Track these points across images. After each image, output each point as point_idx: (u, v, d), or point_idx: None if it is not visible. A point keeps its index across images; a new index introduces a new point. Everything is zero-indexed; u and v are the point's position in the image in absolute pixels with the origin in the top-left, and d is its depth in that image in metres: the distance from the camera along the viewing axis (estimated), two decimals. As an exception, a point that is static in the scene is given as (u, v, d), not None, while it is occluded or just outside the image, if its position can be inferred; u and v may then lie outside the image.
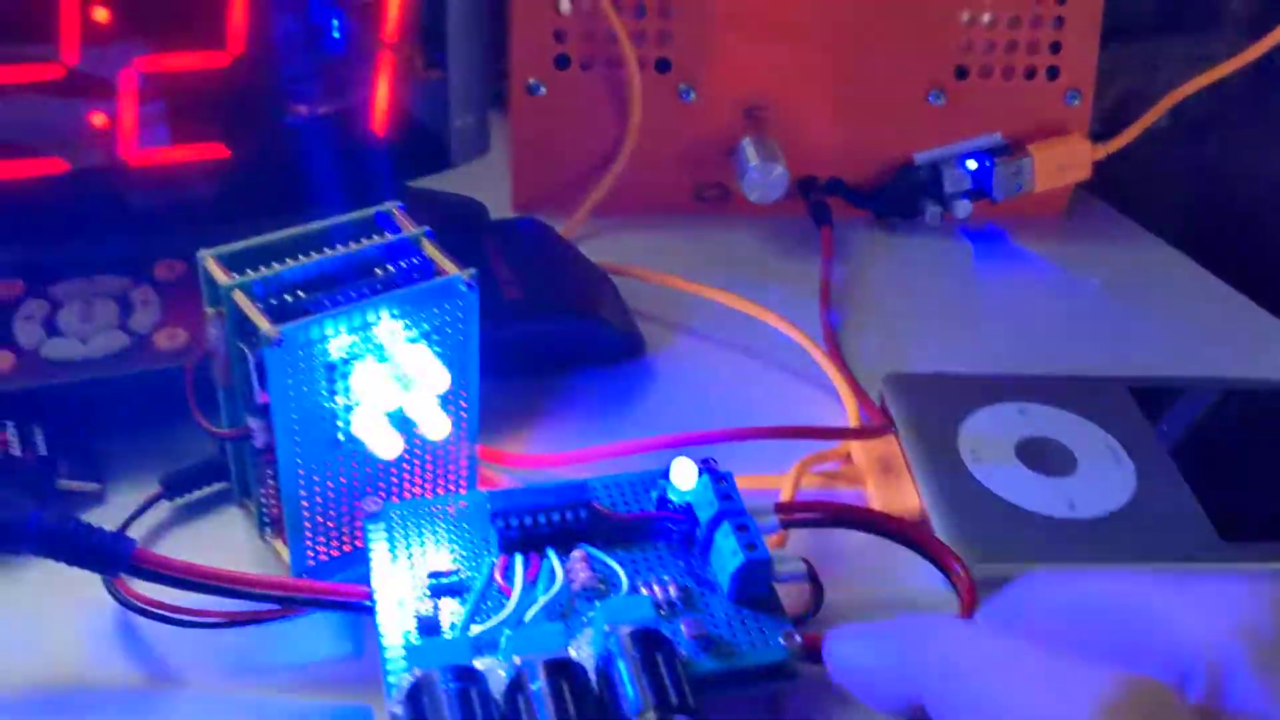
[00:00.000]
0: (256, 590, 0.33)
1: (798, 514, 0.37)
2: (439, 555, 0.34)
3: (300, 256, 0.34)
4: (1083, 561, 0.39)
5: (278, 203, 0.41)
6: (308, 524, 0.35)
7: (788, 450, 0.42)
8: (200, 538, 0.39)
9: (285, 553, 0.36)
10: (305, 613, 0.35)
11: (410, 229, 0.36)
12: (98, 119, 0.42)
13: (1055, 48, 0.59)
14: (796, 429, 0.41)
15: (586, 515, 0.34)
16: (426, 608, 0.32)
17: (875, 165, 0.60)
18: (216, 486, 0.40)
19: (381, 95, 0.46)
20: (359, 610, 0.33)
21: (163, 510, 0.40)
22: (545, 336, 0.47)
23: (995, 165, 0.58)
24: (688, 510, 0.35)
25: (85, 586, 0.34)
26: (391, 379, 0.34)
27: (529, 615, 0.32)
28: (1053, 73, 0.60)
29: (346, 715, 0.34)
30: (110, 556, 0.32)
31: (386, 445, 0.34)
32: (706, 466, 0.35)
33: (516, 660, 0.29)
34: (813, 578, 0.35)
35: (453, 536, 0.34)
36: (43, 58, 0.41)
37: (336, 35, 0.45)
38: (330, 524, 0.36)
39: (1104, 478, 0.42)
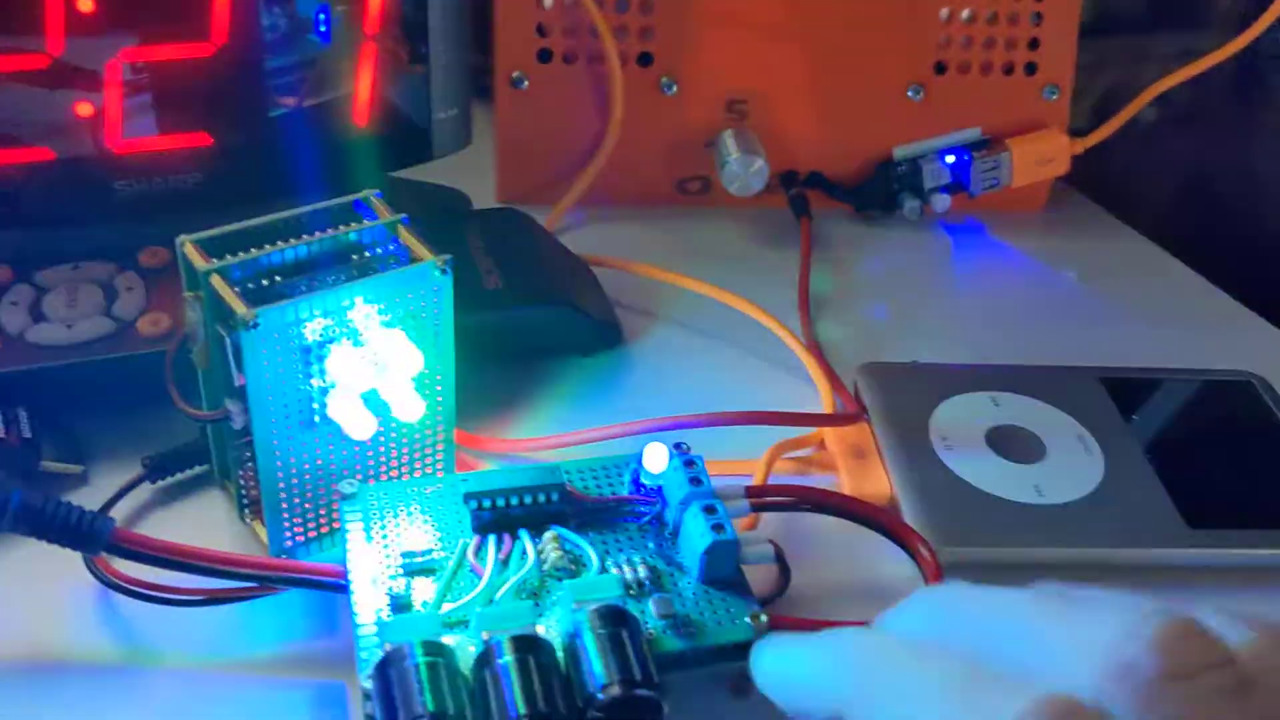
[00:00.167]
0: (233, 569, 0.34)
1: (768, 498, 0.38)
2: (413, 536, 0.34)
3: (278, 242, 0.35)
4: (1049, 546, 0.40)
5: (261, 191, 0.41)
6: (285, 505, 0.36)
7: (764, 436, 0.43)
8: (181, 519, 0.40)
9: (264, 534, 0.37)
10: (282, 591, 0.36)
11: (387, 216, 0.36)
12: (83, 108, 0.43)
13: (1034, 44, 0.60)
14: (770, 414, 0.42)
15: (559, 497, 0.35)
16: (400, 586, 0.33)
17: (855, 159, 0.61)
18: (198, 469, 0.41)
19: (364, 87, 0.47)
20: (335, 589, 0.34)
21: (145, 492, 0.40)
22: (524, 324, 0.48)
23: (973, 160, 0.59)
24: (659, 493, 0.36)
25: (67, 565, 0.35)
26: (367, 362, 0.35)
27: (499, 594, 0.33)
28: (1031, 68, 0.60)
29: (322, 692, 0.34)
30: (90, 535, 0.33)
31: (361, 427, 0.35)
32: (677, 450, 0.36)
33: (485, 636, 0.30)
34: (780, 559, 0.35)
35: (427, 518, 0.35)
36: (28, 48, 0.41)
37: (320, 27, 0.46)
38: (308, 505, 0.36)
39: (1072, 465, 0.43)
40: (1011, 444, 0.44)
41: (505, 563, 0.34)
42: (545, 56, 0.58)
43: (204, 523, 0.39)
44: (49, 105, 0.43)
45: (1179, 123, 0.70)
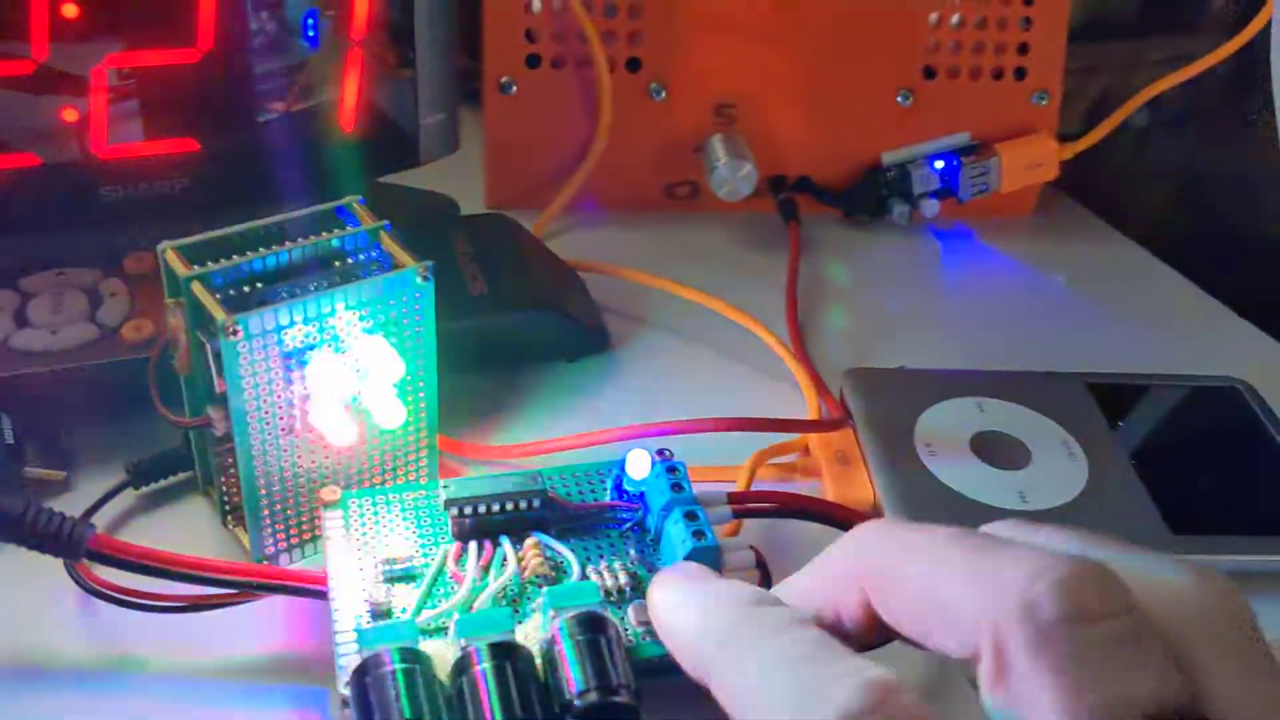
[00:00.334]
0: (213, 575, 0.34)
1: (750, 504, 0.38)
2: (394, 543, 0.34)
3: (260, 249, 0.35)
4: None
5: (248, 197, 0.41)
6: (266, 511, 0.36)
7: (749, 443, 0.43)
8: (164, 525, 0.40)
9: (246, 540, 0.37)
10: (264, 598, 0.36)
11: (369, 222, 0.36)
12: (69, 114, 0.43)
13: (1023, 49, 0.60)
14: (753, 421, 0.42)
15: (541, 504, 0.35)
16: (379, 594, 0.33)
17: (844, 164, 0.61)
18: (181, 476, 0.41)
19: (350, 92, 0.47)
20: (315, 596, 0.34)
21: (128, 498, 0.40)
22: (509, 330, 0.48)
23: (962, 165, 0.59)
24: (641, 499, 0.36)
25: (48, 572, 0.35)
26: (348, 369, 0.35)
27: (479, 601, 0.33)
28: (1020, 73, 0.60)
29: (303, 698, 0.34)
30: (70, 541, 0.33)
31: (342, 433, 0.35)
32: (660, 456, 0.36)
33: (463, 643, 0.30)
34: (761, 566, 0.35)
35: (408, 525, 0.35)
36: (14, 54, 0.41)
37: (308, 32, 0.46)
38: (289, 511, 0.36)
39: (1056, 471, 0.43)
40: (996, 450, 0.44)
41: (486, 569, 0.34)
42: (534, 62, 0.58)
43: (187, 529, 0.39)
44: (34, 111, 0.43)
45: (1170, 127, 0.70)
